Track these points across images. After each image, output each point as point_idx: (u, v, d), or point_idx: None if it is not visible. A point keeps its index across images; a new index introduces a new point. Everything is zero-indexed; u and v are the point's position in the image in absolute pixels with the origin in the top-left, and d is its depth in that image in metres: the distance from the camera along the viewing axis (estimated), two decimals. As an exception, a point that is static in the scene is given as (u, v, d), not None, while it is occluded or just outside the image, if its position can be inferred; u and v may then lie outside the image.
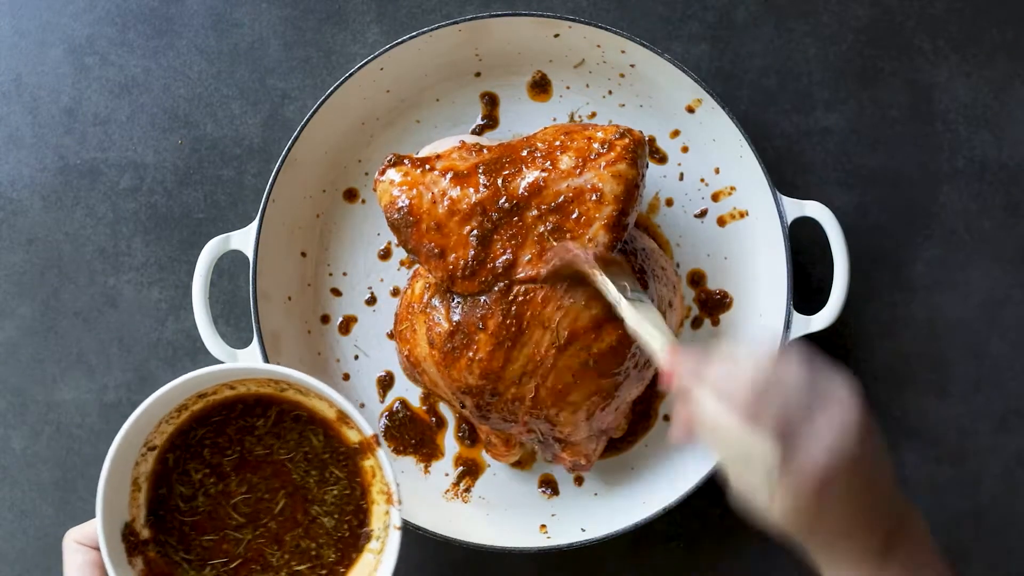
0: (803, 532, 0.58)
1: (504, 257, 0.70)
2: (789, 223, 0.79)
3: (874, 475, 0.57)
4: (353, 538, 0.70)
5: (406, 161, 0.73)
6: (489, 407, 0.73)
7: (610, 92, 0.84)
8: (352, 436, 0.70)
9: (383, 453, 0.67)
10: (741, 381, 0.55)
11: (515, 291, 0.70)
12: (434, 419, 0.84)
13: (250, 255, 0.79)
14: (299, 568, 0.70)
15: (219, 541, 0.69)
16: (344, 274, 0.85)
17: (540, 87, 0.85)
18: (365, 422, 0.67)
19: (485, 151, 0.74)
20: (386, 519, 0.69)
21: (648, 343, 0.63)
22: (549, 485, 0.83)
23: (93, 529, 0.65)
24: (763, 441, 0.54)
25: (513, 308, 0.70)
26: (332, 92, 0.79)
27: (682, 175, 0.85)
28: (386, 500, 0.69)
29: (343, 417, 0.69)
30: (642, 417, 0.83)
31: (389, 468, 0.67)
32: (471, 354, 0.71)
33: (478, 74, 0.84)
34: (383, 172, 0.73)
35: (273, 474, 0.70)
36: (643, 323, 0.64)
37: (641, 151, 0.72)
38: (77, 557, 0.65)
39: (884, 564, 0.59)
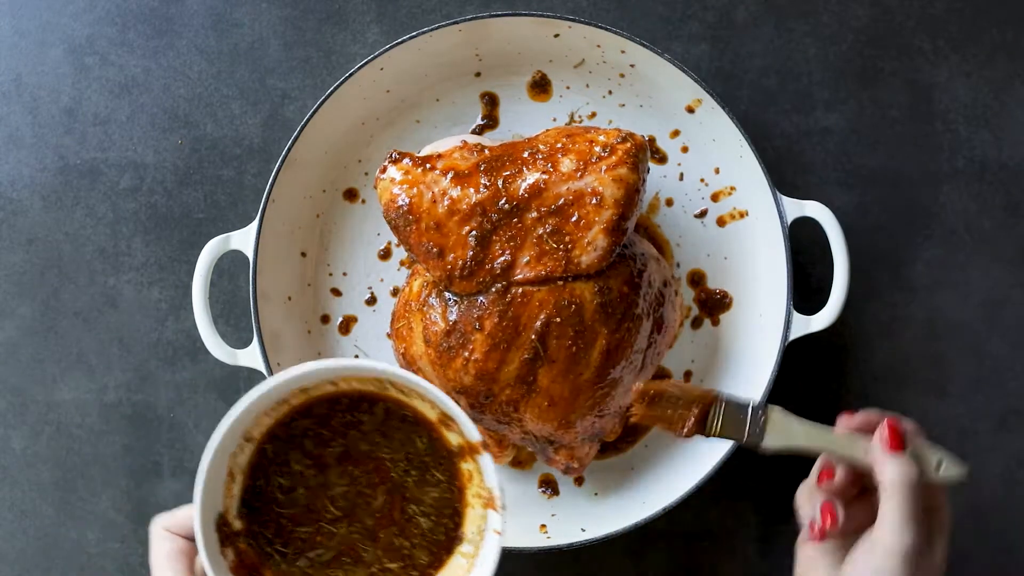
0: None
1: (503, 258, 0.70)
2: (789, 223, 0.79)
3: None
4: (447, 541, 0.69)
5: (407, 160, 0.73)
6: (483, 408, 0.73)
7: (610, 92, 0.84)
8: (453, 439, 0.68)
9: (487, 458, 0.65)
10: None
11: (512, 292, 0.70)
12: (434, 419, 0.84)
13: (250, 255, 0.79)
14: (391, 566, 0.68)
15: (313, 534, 0.68)
16: (344, 274, 0.85)
17: (540, 87, 0.85)
18: (472, 426, 0.64)
19: (487, 151, 0.74)
20: (481, 523, 0.68)
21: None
22: (549, 485, 0.83)
23: (182, 517, 0.64)
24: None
25: (510, 310, 0.70)
26: (332, 92, 0.79)
27: (682, 175, 0.85)
28: (483, 504, 0.67)
29: (445, 419, 0.67)
30: (642, 417, 0.83)
31: (493, 473, 0.65)
32: (467, 354, 0.71)
33: (478, 74, 0.84)
34: (384, 170, 0.72)
35: (374, 470, 0.69)
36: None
37: (642, 155, 0.72)
38: (165, 544, 0.64)
39: None
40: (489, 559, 0.65)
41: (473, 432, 0.65)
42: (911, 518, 0.60)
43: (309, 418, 0.68)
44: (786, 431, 0.66)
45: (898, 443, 0.63)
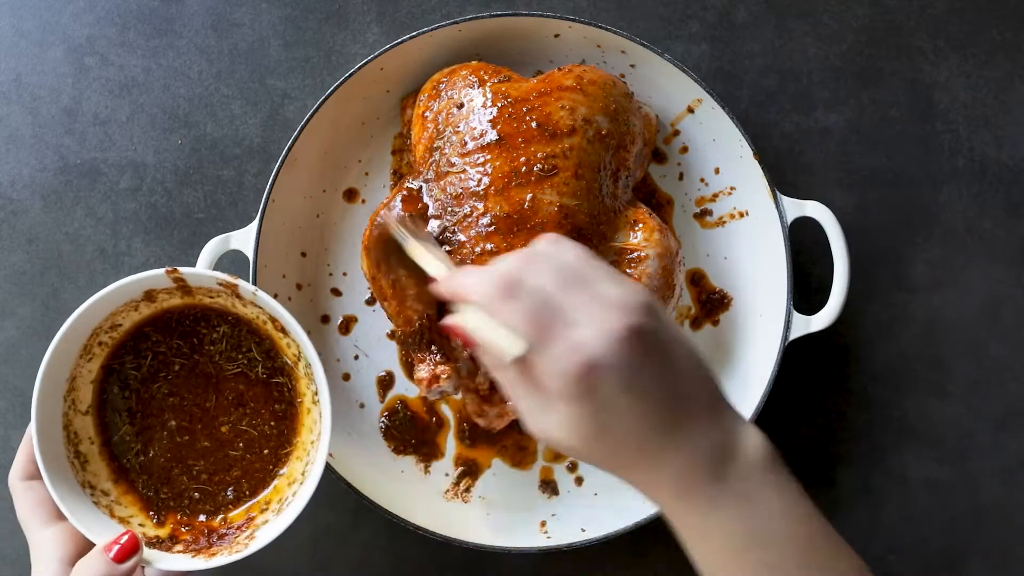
0: (586, 449, 0.55)
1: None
2: (789, 223, 0.79)
3: (663, 387, 0.54)
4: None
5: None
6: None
7: (610, 92, 0.84)
8: (287, 346, 0.74)
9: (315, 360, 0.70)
10: (489, 281, 0.55)
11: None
12: (434, 419, 0.84)
13: (250, 255, 0.79)
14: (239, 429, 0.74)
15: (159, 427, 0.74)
16: (344, 274, 0.85)
17: (540, 87, 0.85)
18: (303, 335, 0.69)
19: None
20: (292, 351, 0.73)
21: (429, 270, 0.67)
22: (549, 485, 0.83)
23: (28, 457, 0.68)
24: (507, 337, 0.54)
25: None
26: (332, 92, 0.79)
27: (682, 175, 0.85)
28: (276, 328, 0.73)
29: (279, 328, 0.73)
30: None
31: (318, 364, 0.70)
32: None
33: (478, 74, 0.84)
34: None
35: (215, 382, 0.75)
36: (424, 255, 0.68)
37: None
38: (28, 496, 0.67)
39: (716, 492, 0.54)
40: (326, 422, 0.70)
41: (304, 338, 0.70)
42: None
43: (156, 330, 0.74)
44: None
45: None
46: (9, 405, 0.86)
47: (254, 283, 0.79)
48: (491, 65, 0.77)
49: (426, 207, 0.75)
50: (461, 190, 0.73)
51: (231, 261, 0.85)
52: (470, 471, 0.84)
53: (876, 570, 0.85)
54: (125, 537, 0.64)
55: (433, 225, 0.74)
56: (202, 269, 0.70)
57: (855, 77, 0.87)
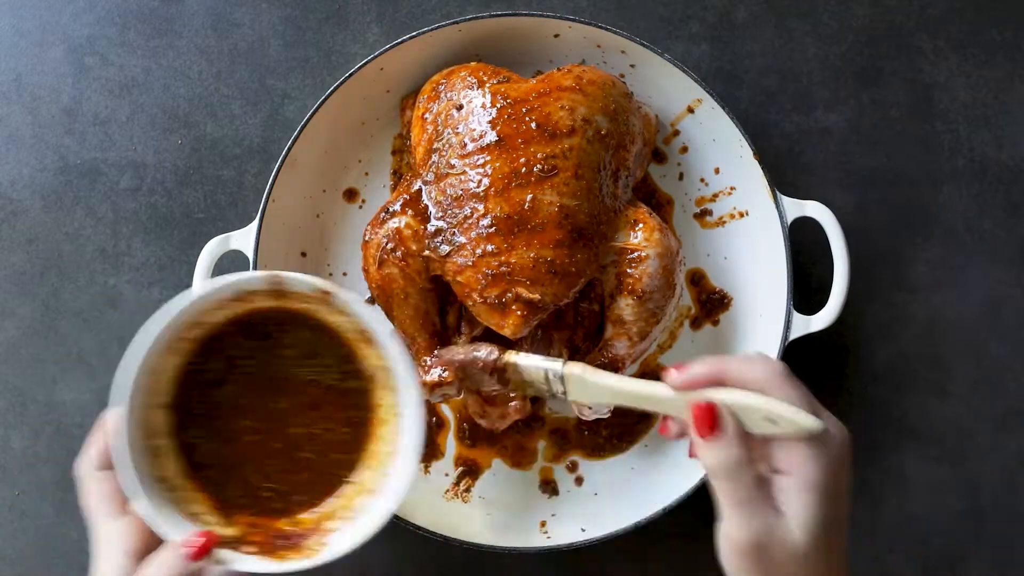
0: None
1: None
2: (789, 223, 0.79)
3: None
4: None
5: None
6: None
7: (610, 92, 0.84)
8: (371, 358, 0.71)
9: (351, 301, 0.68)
10: (765, 362, 0.59)
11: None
12: (434, 419, 0.84)
13: (250, 255, 0.79)
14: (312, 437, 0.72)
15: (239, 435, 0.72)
16: (344, 274, 0.85)
17: (540, 87, 0.85)
18: (394, 346, 0.67)
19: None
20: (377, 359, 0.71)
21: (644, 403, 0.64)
22: (549, 485, 0.83)
23: (102, 450, 0.66)
24: (800, 414, 0.56)
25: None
26: (332, 92, 0.79)
27: (682, 175, 0.85)
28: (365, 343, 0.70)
29: (365, 337, 0.70)
30: (642, 417, 0.83)
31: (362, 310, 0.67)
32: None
33: (478, 74, 0.84)
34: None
35: (295, 389, 0.72)
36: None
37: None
38: (100, 487, 0.65)
39: None
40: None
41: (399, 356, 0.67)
42: (738, 503, 0.56)
43: (239, 334, 0.71)
44: (589, 387, 0.65)
45: (708, 428, 0.57)
46: (9, 405, 0.86)
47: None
48: (490, 66, 0.77)
49: (426, 208, 0.75)
50: (461, 192, 0.73)
51: (231, 261, 0.85)
52: (470, 471, 0.84)
53: (876, 570, 0.86)
54: (202, 536, 0.64)
55: (433, 227, 0.74)
56: (302, 275, 0.68)
57: (855, 77, 0.87)
